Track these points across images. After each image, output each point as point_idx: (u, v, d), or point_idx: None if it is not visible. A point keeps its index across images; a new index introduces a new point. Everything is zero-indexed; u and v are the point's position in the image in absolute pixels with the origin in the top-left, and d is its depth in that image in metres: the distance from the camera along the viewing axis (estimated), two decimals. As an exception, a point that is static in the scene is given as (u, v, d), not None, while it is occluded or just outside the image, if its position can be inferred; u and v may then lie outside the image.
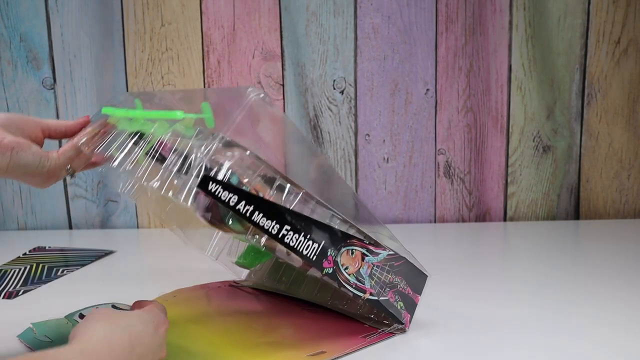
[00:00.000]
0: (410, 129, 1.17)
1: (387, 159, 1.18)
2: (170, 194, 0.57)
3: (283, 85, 1.15)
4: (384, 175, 1.18)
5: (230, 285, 0.83)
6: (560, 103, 1.16)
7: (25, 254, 1.01)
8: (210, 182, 0.56)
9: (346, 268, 0.61)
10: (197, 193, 0.56)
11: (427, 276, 0.67)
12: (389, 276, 0.64)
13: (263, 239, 0.60)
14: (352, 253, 0.62)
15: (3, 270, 0.91)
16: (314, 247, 0.60)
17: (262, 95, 0.59)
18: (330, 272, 0.61)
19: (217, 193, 0.57)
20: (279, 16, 1.13)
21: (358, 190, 1.18)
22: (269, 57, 1.14)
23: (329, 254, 0.60)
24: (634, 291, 0.77)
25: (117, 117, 0.68)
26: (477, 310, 0.72)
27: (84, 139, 0.69)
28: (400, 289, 0.65)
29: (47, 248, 1.04)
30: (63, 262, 0.95)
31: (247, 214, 0.57)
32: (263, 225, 0.58)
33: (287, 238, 0.59)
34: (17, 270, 0.91)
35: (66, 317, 0.70)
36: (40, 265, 0.93)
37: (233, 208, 0.57)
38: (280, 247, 0.60)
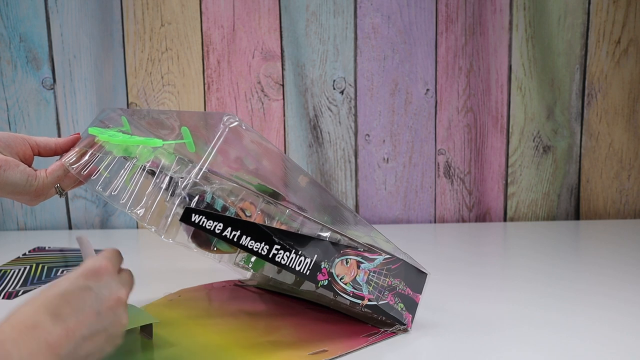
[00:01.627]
0: (410, 129, 1.17)
1: (387, 159, 1.18)
2: (153, 229, 0.58)
3: (283, 85, 1.15)
4: (384, 176, 1.18)
5: (235, 284, 0.83)
6: (561, 103, 1.16)
7: (25, 254, 1.00)
8: (193, 214, 0.57)
9: (342, 278, 0.62)
10: (177, 228, 0.57)
11: (426, 275, 0.67)
12: (387, 280, 0.64)
13: (252, 259, 0.60)
14: (347, 262, 0.62)
15: (3, 271, 0.91)
16: (307, 262, 0.60)
17: (237, 122, 0.59)
18: (325, 284, 0.61)
19: (201, 223, 0.57)
20: (279, 16, 1.13)
21: (358, 191, 1.18)
22: (269, 57, 1.14)
23: (322, 266, 0.61)
24: (634, 291, 0.77)
25: (104, 139, 0.68)
26: (478, 311, 0.72)
27: (72, 159, 0.69)
28: (400, 290, 0.65)
29: (46, 248, 1.04)
30: (63, 262, 0.95)
31: (235, 239, 0.58)
32: (252, 248, 0.58)
33: (278, 257, 0.59)
34: (17, 271, 0.91)
35: None
36: (40, 266, 0.93)
37: (220, 235, 0.57)
38: (268, 266, 0.61)
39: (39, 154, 0.71)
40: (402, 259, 0.65)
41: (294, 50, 1.14)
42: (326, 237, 0.62)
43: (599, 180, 1.19)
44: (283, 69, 1.15)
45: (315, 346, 0.62)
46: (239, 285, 0.82)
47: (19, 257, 0.99)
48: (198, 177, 0.58)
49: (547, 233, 1.10)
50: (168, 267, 0.92)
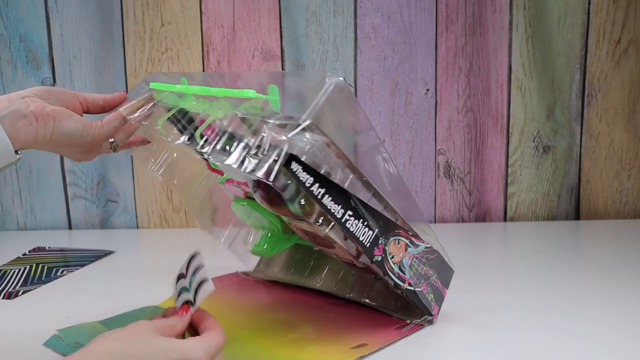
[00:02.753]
0: (410, 129, 1.17)
1: (387, 159, 1.17)
2: (249, 167, 0.54)
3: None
4: (384, 176, 1.18)
5: (243, 277, 0.82)
6: (561, 103, 1.16)
7: (25, 254, 1.00)
8: (294, 162, 0.56)
9: (392, 257, 0.63)
10: (277, 172, 0.54)
11: (453, 271, 0.69)
12: (425, 268, 0.66)
13: (324, 224, 0.59)
14: (398, 243, 0.63)
15: (3, 271, 0.91)
16: (369, 234, 0.61)
17: (342, 79, 0.57)
18: (379, 260, 0.62)
19: (297, 172, 0.56)
20: (279, 16, 1.13)
21: (358, 191, 1.18)
22: (269, 57, 1.14)
23: (380, 242, 0.62)
24: (634, 291, 0.77)
25: (165, 92, 0.66)
26: (477, 311, 0.72)
27: (129, 110, 0.67)
28: (432, 281, 0.67)
29: (47, 248, 1.04)
30: (63, 263, 0.95)
31: (319, 196, 0.57)
32: (330, 209, 0.58)
33: (349, 223, 0.59)
34: (17, 271, 0.91)
35: (101, 322, 0.68)
36: (40, 266, 0.93)
37: (308, 189, 0.57)
38: (336, 231, 0.60)
39: (88, 111, 0.69)
40: (438, 251, 0.67)
41: (294, 50, 1.14)
42: (387, 214, 0.63)
43: (599, 180, 1.19)
44: (283, 69, 1.14)
45: (354, 340, 0.62)
46: (246, 277, 0.82)
47: (19, 257, 0.99)
48: (306, 123, 0.55)
49: (547, 233, 1.10)
50: (167, 267, 0.92)
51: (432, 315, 0.66)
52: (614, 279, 0.82)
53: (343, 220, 0.59)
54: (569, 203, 1.19)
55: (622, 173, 1.19)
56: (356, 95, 1.15)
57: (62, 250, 1.04)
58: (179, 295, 0.57)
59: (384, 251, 0.62)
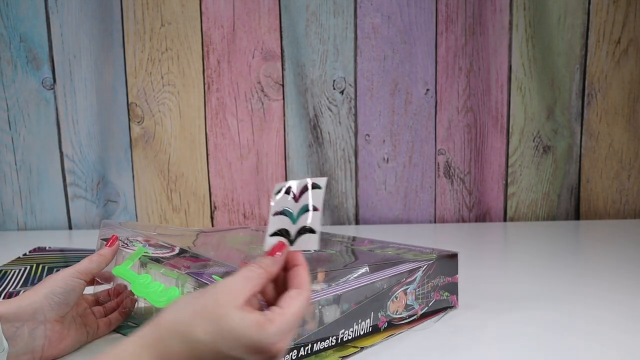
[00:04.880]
0: (410, 129, 1.17)
1: (387, 159, 1.18)
2: None
3: (283, 85, 1.15)
4: (384, 176, 1.18)
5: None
6: (561, 103, 1.16)
7: (25, 254, 1.00)
8: None
9: (396, 312, 0.64)
10: None
11: (457, 254, 0.70)
12: (430, 284, 0.67)
13: None
14: (396, 298, 0.64)
15: (3, 271, 0.91)
16: (367, 323, 0.61)
17: None
18: (387, 326, 0.63)
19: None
20: (279, 16, 1.13)
21: (358, 191, 1.18)
22: (269, 57, 1.14)
23: (380, 316, 0.62)
24: (634, 291, 0.77)
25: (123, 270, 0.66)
26: (478, 311, 0.72)
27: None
28: (441, 284, 0.69)
29: (47, 248, 1.04)
30: (63, 263, 0.95)
31: (308, 353, 0.56)
32: (325, 347, 0.58)
33: (345, 338, 0.59)
34: (17, 271, 0.91)
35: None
36: (40, 266, 0.93)
37: None
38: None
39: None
40: (434, 259, 0.67)
41: (294, 50, 1.14)
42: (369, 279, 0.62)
43: (599, 180, 1.19)
44: (283, 69, 1.15)
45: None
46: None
47: (19, 257, 0.99)
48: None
49: (547, 233, 1.10)
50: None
51: (452, 306, 0.70)
52: (614, 278, 0.82)
53: (340, 341, 0.58)
54: (569, 203, 1.19)
55: (622, 173, 1.19)
56: (356, 95, 1.15)
57: (62, 250, 1.04)
58: (275, 214, 0.44)
59: (387, 316, 0.63)
